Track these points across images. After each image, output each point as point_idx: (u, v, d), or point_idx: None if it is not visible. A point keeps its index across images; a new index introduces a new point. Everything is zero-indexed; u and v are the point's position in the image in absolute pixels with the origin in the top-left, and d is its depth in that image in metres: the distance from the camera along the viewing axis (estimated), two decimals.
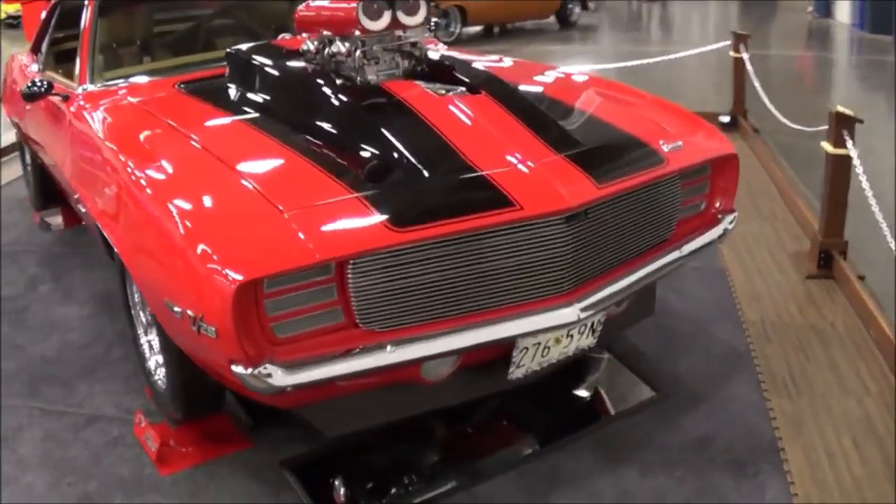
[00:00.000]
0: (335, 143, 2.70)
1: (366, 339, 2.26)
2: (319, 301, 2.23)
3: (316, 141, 2.74)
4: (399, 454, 2.87)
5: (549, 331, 2.48)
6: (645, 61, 8.30)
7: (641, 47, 13.00)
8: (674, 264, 2.83)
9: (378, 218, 2.22)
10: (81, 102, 3.52)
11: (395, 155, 2.53)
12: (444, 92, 2.88)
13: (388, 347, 2.24)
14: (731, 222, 3.08)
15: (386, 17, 2.99)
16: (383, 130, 2.63)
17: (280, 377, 2.14)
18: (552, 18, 14.40)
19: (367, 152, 2.61)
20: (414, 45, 3.17)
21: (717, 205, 3.09)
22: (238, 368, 2.14)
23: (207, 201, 2.40)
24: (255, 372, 2.13)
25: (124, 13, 4.24)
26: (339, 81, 3.01)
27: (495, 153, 2.52)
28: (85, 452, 3.03)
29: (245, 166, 2.54)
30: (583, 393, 3.23)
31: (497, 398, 2.99)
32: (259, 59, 3.32)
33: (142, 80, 3.72)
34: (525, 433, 3.02)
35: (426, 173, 2.44)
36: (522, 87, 3.24)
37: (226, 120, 3.03)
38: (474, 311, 2.38)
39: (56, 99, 3.74)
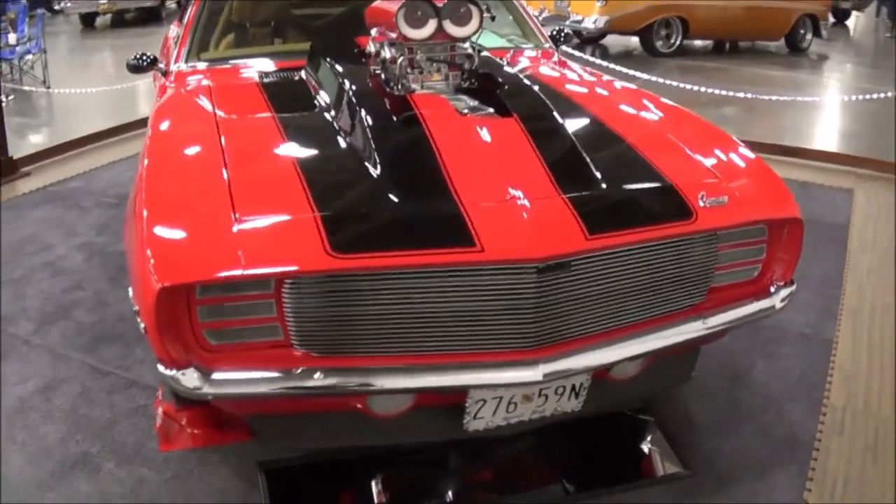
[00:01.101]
0: (337, 151, 2.61)
1: (301, 361, 2.17)
2: (257, 315, 2.16)
3: (324, 146, 2.66)
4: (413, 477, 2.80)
5: (504, 388, 2.27)
6: (874, 95, 7.26)
7: (877, 85, 11.80)
8: (697, 336, 2.49)
9: (321, 240, 2.09)
10: (169, 80, 3.66)
11: (378, 173, 2.38)
12: (467, 111, 2.72)
13: (317, 375, 2.14)
14: (785, 297, 2.67)
15: (430, 26, 2.84)
16: (380, 145, 2.48)
17: (196, 383, 2.11)
18: (782, 42, 13.42)
19: (355, 165, 2.47)
20: (469, 56, 2.99)
21: (774, 274, 2.66)
22: (160, 367, 2.14)
23: (177, 200, 2.37)
24: (173, 374, 2.12)
25: None
26: (369, 88, 2.90)
27: (489, 186, 2.30)
28: (106, 415, 3.18)
29: (238, 169, 2.46)
30: (616, 451, 3.00)
31: (528, 436, 2.79)
32: (320, 56, 3.28)
33: (239, 63, 3.76)
34: (550, 478, 2.85)
35: (395, 198, 2.27)
36: (573, 114, 2.92)
37: (263, 115, 2.96)
38: (423, 352, 2.21)
39: (158, 74, 3.90)
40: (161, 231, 2.20)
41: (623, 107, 3.16)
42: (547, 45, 4.13)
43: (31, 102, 9.35)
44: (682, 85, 7.66)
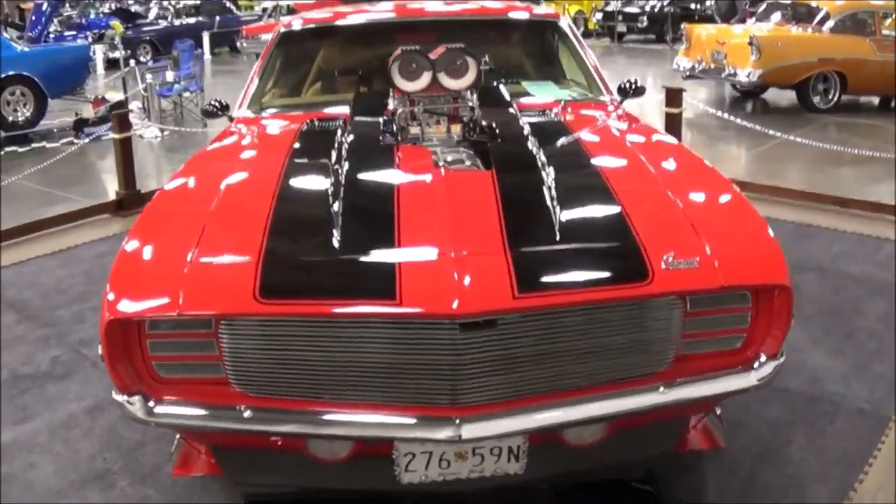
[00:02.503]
0: (314, 198, 2.70)
1: (237, 399, 2.29)
2: (200, 353, 2.30)
3: (307, 193, 2.77)
4: None
5: (427, 443, 2.27)
6: None
7: None
8: (651, 406, 2.35)
9: (252, 285, 2.20)
10: (232, 126, 3.90)
11: (337, 221, 2.46)
12: (444, 165, 2.75)
13: (246, 413, 2.24)
14: (769, 372, 2.45)
15: (425, 79, 2.90)
16: (347, 194, 2.58)
17: (139, 411, 2.28)
18: None
19: (322, 213, 2.55)
20: (472, 108, 3.02)
21: (759, 346, 2.46)
22: (113, 392, 2.32)
23: (154, 238, 2.57)
24: (121, 399, 2.30)
25: (343, 41, 4.51)
26: (364, 138, 3.00)
27: (434, 240, 2.33)
28: (137, 437, 3.41)
29: (219, 211, 2.64)
30: None
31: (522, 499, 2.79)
32: (351, 104, 3.42)
33: (295, 111, 3.94)
34: None
35: (339, 247, 2.34)
36: (571, 169, 2.88)
37: (276, 161, 3.05)
38: (350, 400, 2.26)
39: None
40: (123, 266, 2.41)
41: (637, 162, 3.04)
42: (606, 98, 4.09)
43: (185, 140, 10.09)
44: (818, 144, 7.33)
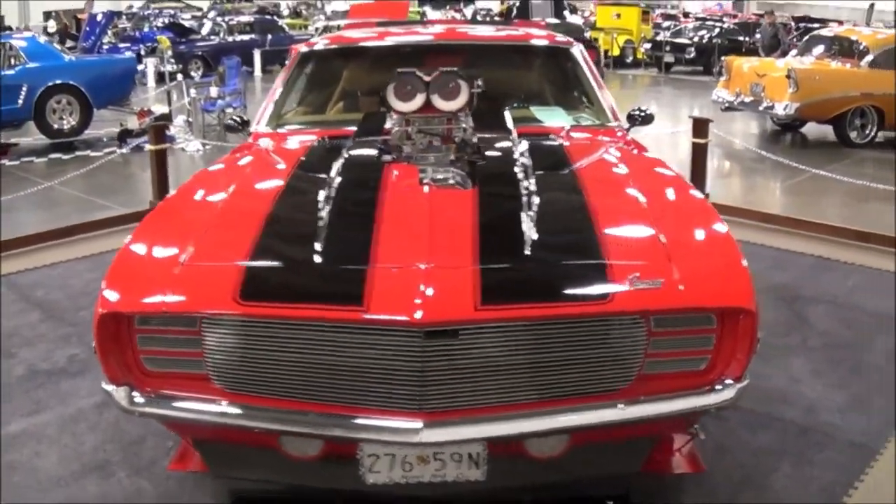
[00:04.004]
0: (307, 210, 2.82)
1: (217, 394, 2.44)
2: (184, 349, 2.45)
3: (302, 205, 2.90)
4: None
5: (391, 445, 2.37)
6: None
7: None
8: (610, 422, 2.41)
9: (234, 288, 2.36)
10: (248, 138, 4.08)
11: (322, 232, 2.61)
12: (429, 182, 2.86)
13: (220, 407, 2.40)
14: (732, 394, 2.48)
15: (419, 100, 3.03)
16: (333, 208, 2.73)
17: (123, 400, 2.44)
18: None
19: (310, 224, 2.68)
20: (465, 130, 3.14)
21: (723, 368, 2.50)
22: (103, 381, 2.48)
23: (153, 240, 2.74)
24: (108, 389, 2.46)
25: (360, 63, 4.64)
26: (360, 156, 3.15)
27: (408, 252, 2.45)
28: (139, 432, 3.55)
29: (219, 218, 2.83)
30: None
31: None
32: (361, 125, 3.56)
33: (311, 128, 4.10)
34: None
35: (318, 255, 2.50)
36: (555, 190, 3.00)
37: (280, 175, 3.26)
38: (320, 401, 2.39)
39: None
40: (121, 264, 2.58)
41: (624, 187, 3.13)
42: (614, 124, 4.15)
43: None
44: (848, 179, 7.34)
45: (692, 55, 22.11)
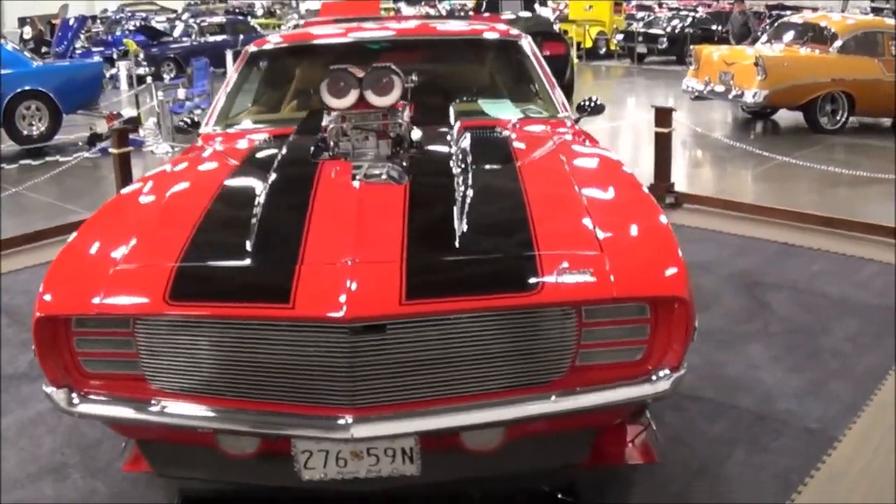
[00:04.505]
0: (241, 208, 2.82)
1: (153, 395, 2.45)
2: (120, 350, 2.47)
3: (238, 204, 2.90)
4: None
5: (323, 441, 2.38)
6: None
7: None
8: (544, 414, 2.41)
9: (164, 288, 2.37)
10: (197, 140, 4.08)
11: (253, 231, 2.61)
12: (361, 178, 2.86)
13: (154, 407, 2.41)
14: (669, 384, 2.46)
15: (352, 96, 3.02)
16: (266, 205, 2.74)
17: (62, 402, 2.47)
18: None
19: (243, 223, 2.68)
20: (401, 125, 3.13)
21: (660, 358, 2.48)
22: (44, 384, 2.50)
23: (91, 242, 2.76)
24: (46, 391, 2.48)
25: (308, 61, 4.64)
26: (294, 153, 3.17)
27: (336, 248, 2.45)
28: (97, 435, 3.56)
29: (156, 218, 2.85)
30: None
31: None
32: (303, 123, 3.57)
33: (258, 127, 4.13)
34: None
35: (248, 255, 2.51)
36: (491, 181, 3.01)
37: (220, 174, 3.27)
38: (254, 399, 2.40)
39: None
40: (58, 267, 2.60)
41: (563, 178, 3.12)
42: (562, 115, 4.16)
43: None
44: (816, 165, 7.40)
45: (664, 45, 22.16)
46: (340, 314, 2.22)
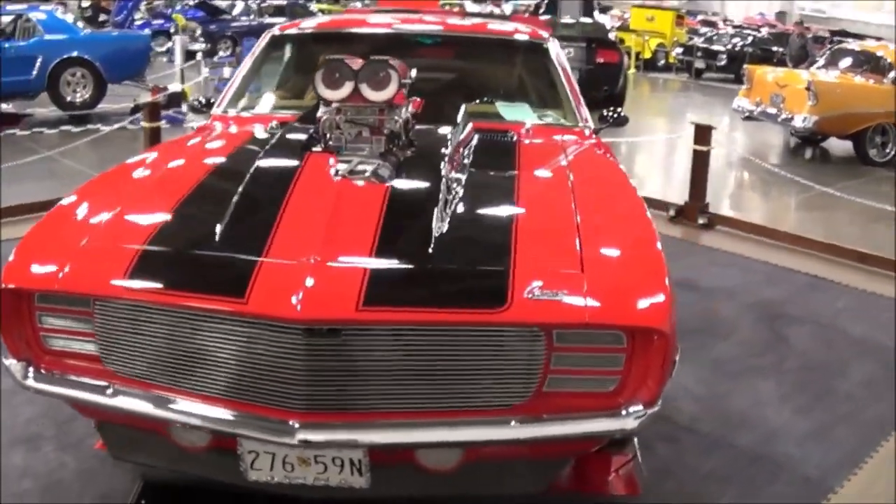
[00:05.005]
0: (222, 195, 2.72)
1: (106, 378, 2.40)
2: (79, 328, 2.41)
3: (221, 189, 2.81)
4: None
5: (261, 441, 2.28)
6: None
7: None
8: (501, 440, 2.29)
9: (125, 270, 2.31)
10: (209, 120, 4.03)
11: (227, 219, 2.52)
12: (342, 174, 2.73)
13: (107, 390, 2.36)
14: (640, 420, 2.29)
15: (347, 88, 2.90)
16: (243, 194, 2.65)
17: (18, 375, 2.43)
18: None
19: (220, 209, 2.59)
20: (396, 121, 3.00)
21: (633, 391, 2.31)
22: (4, 356, 2.46)
23: (71, 215, 2.68)
24: (6, 364, 2.45)
25: (325, 50, 4.53)
26: (285, 143, 3.09)
27: (303, 245, 2.33)
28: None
29: (138, 197, 2.77)
30: None
31: None
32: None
33: (266, 113, 4.03)
34: None
35: (214, 244, 2.42)
36: (483, 190, 2.87)
37: (215, 158, 3.21)
38: (205, 392, 2.32)
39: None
40: (31, 237, 2.54)
41: (562, 191, 2.94)
42: (580, 125, 4.00)
43: None
44: (857, 199, 7.17)
45: (724, 62, 21.82)
46: (293, 314, 2.13)
